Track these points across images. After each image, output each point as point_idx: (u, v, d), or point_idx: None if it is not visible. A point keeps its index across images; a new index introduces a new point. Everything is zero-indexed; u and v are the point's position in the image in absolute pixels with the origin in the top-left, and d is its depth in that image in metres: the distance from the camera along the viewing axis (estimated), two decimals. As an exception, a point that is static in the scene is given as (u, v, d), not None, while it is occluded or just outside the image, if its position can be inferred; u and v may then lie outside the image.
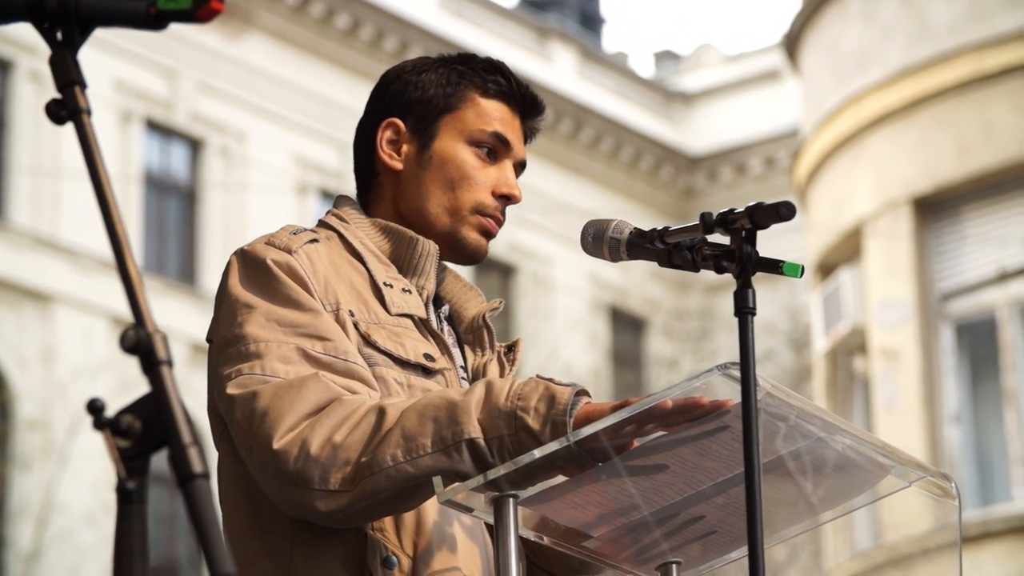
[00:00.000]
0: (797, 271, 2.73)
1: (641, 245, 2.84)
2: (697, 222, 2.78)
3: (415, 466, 2.61)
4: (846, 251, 13.84)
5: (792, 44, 14.83)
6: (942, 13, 13.13)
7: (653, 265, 2.98)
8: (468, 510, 2.63)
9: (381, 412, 2.63)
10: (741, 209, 2.72)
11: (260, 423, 2.64)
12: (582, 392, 2.65)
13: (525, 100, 2.98)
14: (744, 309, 2.71)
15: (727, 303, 2.78)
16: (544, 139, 25.88)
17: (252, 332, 2.71)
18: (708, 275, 2.88)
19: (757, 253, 2.75)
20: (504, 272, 25.85)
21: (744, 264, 2.72)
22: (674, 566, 2.81)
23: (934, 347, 13.07)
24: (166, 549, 20.92)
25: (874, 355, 13.39)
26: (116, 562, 1.94)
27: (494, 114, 2.93)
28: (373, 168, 2.95)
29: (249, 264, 2.77)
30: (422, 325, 2.83)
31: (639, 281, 26.45)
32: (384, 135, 2.93)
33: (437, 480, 2.59)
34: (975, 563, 12.17)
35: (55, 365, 20.25)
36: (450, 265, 3.04)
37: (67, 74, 2.13)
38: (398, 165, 2.92)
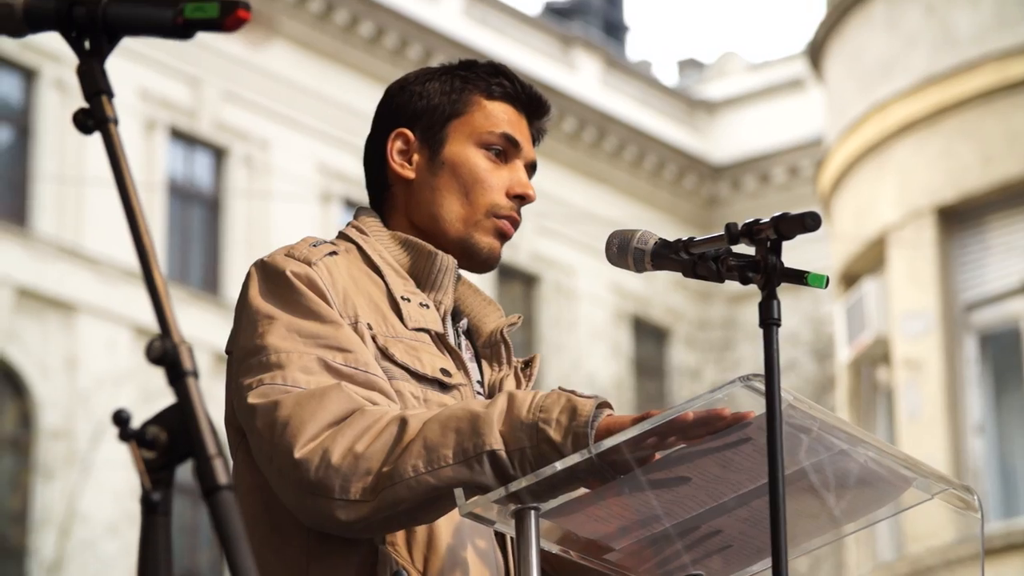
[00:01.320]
0: (822, 282, 2.74)
1: (666, 256, 2.84)
2: (722, 233, 2.78)
3: (436, 477, 2.61)
4: (870, 261, 13.83)
5: (816, 52, 14.83)
6: (966, 21, 13.12)
7: (676, 275, 2.98)
8: (490, 523, 2.63)
9: (403, 423, 2.63)
10: (766, 220, 2.72)
11: (282, 432, 2.64)
12: (604, 404, 2.65)
13: (530, 101, 2.98)
14: (769, 320, 2.71)
15: (750, 313, 2.80)
16: (567, 148, 26.02)
17: (273, 343, 2.71)
18: (731, 285, 2.87)
19: (782, 264, 2.75)
20: (527, 282, 25.85)
21: (769, 275, 2.73)
22: (693, 581, 2.83)
23: (958, 358, 13.05)
24: (188, 560, 20.94)
25: (897, 366, 13.37)
26: (140, 573, 1.95)
27: (501, 116, 2.93)
28: (385, 180, 2.96)
29: (269, 275, 2.77)
30: (439, 340, 2.83)
31: (662, 291, 26.45)
32: (394, 145, 2.93)
33: (459, 492, 2.60)
34: (997, 575, 12.15)
35: (78, 374, 20.28)
36: (469, 277, 3.05)
37: (95, 83, 2.14)
38: (410, 174, 2.92)
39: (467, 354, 2.94)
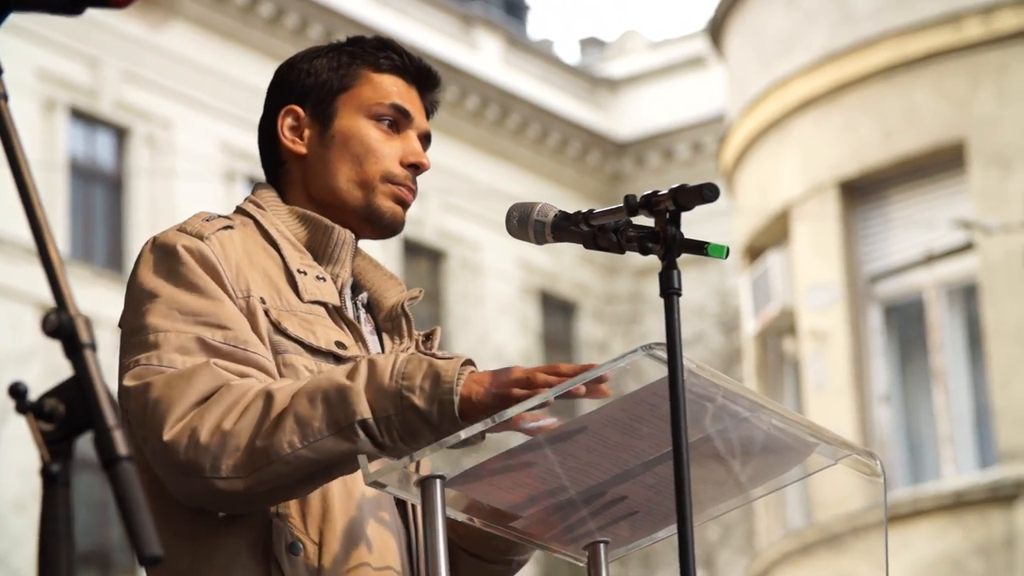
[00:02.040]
0: (722, 252, 2.75)
1: (566, 227, 2.85)
2: (621, 204, 2.79)
3: (313, 450, 2.60)
4: (774, 234, 13.90)
5: (717, 30, 14.88)
6: (866, -3, 13.21)
7: (582, 250, 2.98)
8: (394, 492, 2.64)
9: (269, 396, 2.62)
10: (665, 191, 2.74)
11: (152, 414, 2.63)
12: (467, 362, 2.65)
13: (419, 73, 2.96)
14: (670, 290, 2.72)
15: (656, 286, 2.80)
16: (471, 125, 26.04)
17: (153, 322, 2.70)
18: (637, 259, 2.89)
19: (682, 234, 2.76)
20: (433, 258, 25.86)
21: (669, 245, 2.74)
22: (602, 545, 2.82)
23: (863, 328, 13.14)
24: (98, 535, 20.88)
25: (803, 337, 13.46)
26: (41, 545, 1.94)
27: (391, 87, 2.92)
28: (279, 156, 2.95)
29: (159, 251, 2.76)
30: (336, 312, 2.82)
31: (569, 266, 26.52)
32: (284, 122, 2.93)
33: (363, 460, 2.60)
34: (905, 540, 12.25)
35: (-7, 356, 20.18)
36: (368, 251, 3.03)
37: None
38: (302, 149, 2.91)
39: (367, 327, 2.93)
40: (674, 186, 2.73)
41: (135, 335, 2.73)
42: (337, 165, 2.89)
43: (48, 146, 21.31)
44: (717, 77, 20.22)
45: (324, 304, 2.81)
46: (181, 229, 2.79)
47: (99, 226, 22.43)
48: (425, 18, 26.29)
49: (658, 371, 2.65)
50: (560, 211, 2.87)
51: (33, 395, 1.98)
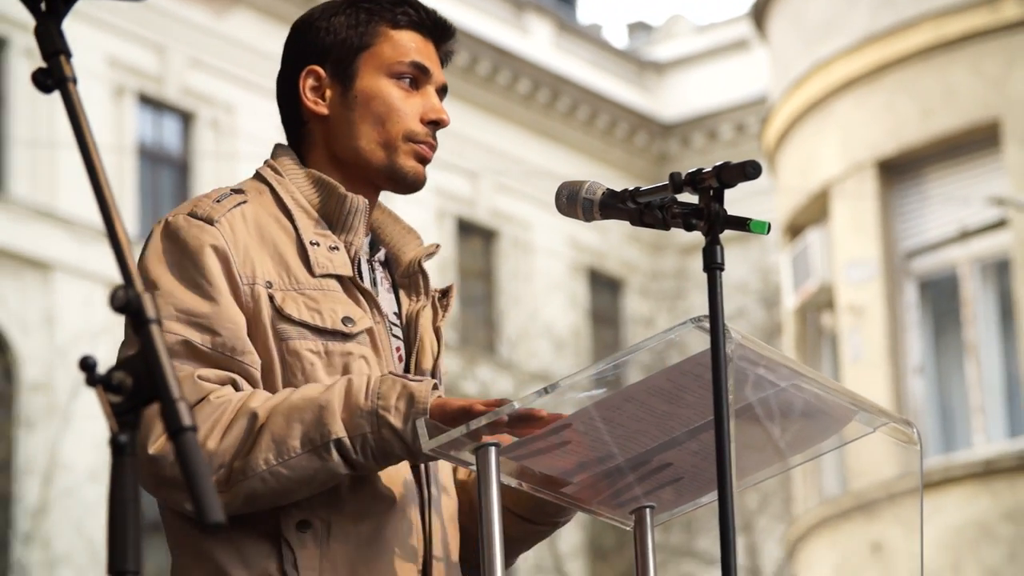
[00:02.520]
0: (764, 228, 2.73)
1: (613, 205, 2.83)
2: (667, 182, 2.77)
3: (288, 467, 2.60)
4: (814, 212, 13.86)
5: (760, 14, 14.83)
6: (903, -18, 13.15)
7: (629, 228, 2.97)
8: (454, 459, 2.64)
9: (253, 416, 2.61)
10: (709, 169, 2.73)
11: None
12: (435, 386, 2.63)
13: (436, 26, 2.92)
14: (713, 264, 2.71)
15: (700, 263, 2.79)
16: (522, 108, 26.01)
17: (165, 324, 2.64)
18: (682, 236, 2.89)
19: (725, 211, 2.75)
20: (486, 237, 25.85)
21: (712, 221, 2.73)
22: (648, 510, 2.81)
23: (898, 303, 13.10)
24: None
25: (841, 311, 13.42)
26: (111, 510, 1.95)
27: (409, 44, 2.86)
28: (300, 117, 2.89)
29: (168, 236, 2.72)
30: (350, 283, 2.78)
31: (616, 243, 26.48)
32: (306, 83, 2.87)
33: (421, 425, 2.59)
34: (937, 507, 12.22)
35: (56, 330, 20.27)
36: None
37: (52, 44, 2.11)
38: (324, 110, 2.86)
39: (385, 284, 2.89)
40: (718, 164, 2.71)
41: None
42: (360, 126, 2.84)
43: (117, 130, 21.38)
44: (760, 60, 20.16)
45: (338, 275, 2.77)
46: (192, 213, 2.73)
47: (166, 207, 22.43)
48: (478, 3, 26.27)
49: (704, 343, 2.64)
50: (607, 189, 2.86)
51: (103, 369, 1.99)
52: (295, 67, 2.91)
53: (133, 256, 2.03)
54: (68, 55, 2.12)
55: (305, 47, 2.91)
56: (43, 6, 2.14)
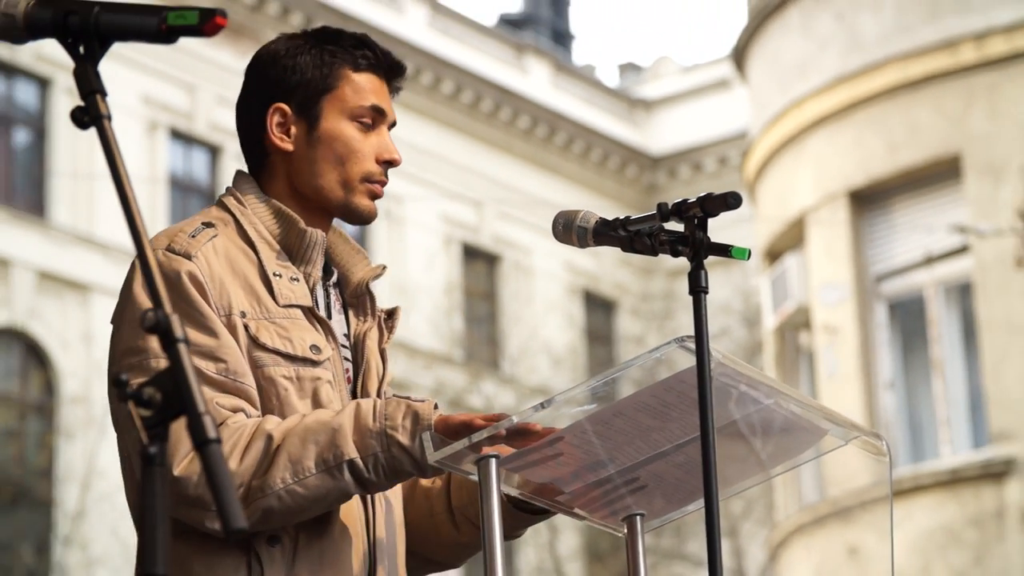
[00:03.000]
0: (744, 254, 2.73)
1: (606, 233, 2.83)
2: (655, 212, 2.77)
3: (304, 487, 2.58)
4: (791, 239, 13.85)
5: (740, 56, 14.84)
6: (871, 27, 13.14)
7: (621, 253, 2.95)
8: (458, 470, 2.63)
9: (269, 439, 2.59)
10: (693, 199, 2.72)
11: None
12: (435, 405, 2.63)
13: (391, 67, 2.88)
14: (698, 288, 2.71)
15: (686, 286, 2.78)
16: (522, 142, 26.01)
17: (153, 347, 2.62)
18: (671, 261, 2.88)
19: (708, 238, 2.74)
20: (490, 261, 25.84)
21: (697, 248, 2.72)
22: (638, 518, 2.80)
23: (870, 323, 13.08)
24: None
25: (817, 331, 13.41)
26: (142, 516, 1.94)
27: (368, 87, 2.83)
28: (264, 148, 2.83)
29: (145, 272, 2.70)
30: (309, 313, 2.74)
31: (609, 268, 26.48)
32: (273, 120, 2.81)
33: (427, 438, 2.58)
34: (908, 513, 12.19)
35: (94, 347, 20.24)
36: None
37: (89, 84, 2.11)
38: (289, 147, 2.81)
39: (336, 306, 2.85)
40: (701, 195, 2.72)
41: (134, 355, 2.65)
42: (322, 164, 2.80)
43: (150, 163, 21.39)
44: (740, 98, 20.14)
45: (300, 306, 2.74)
46: (170, 248, 2.70)
47: (195, 233, 22.53)
48: (482, 46, 26.28)
49: (689, 361, 2.63)
50: (600, 218, 2.85)
51: (131, 382, 1.98)
52: (260, 100, 2.85)
53: (162, 281, 2.03)
54: (103, 94, 2.11)
55: (271, 83, 2.85)
56: (81, 50, 2.14)
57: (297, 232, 2.77)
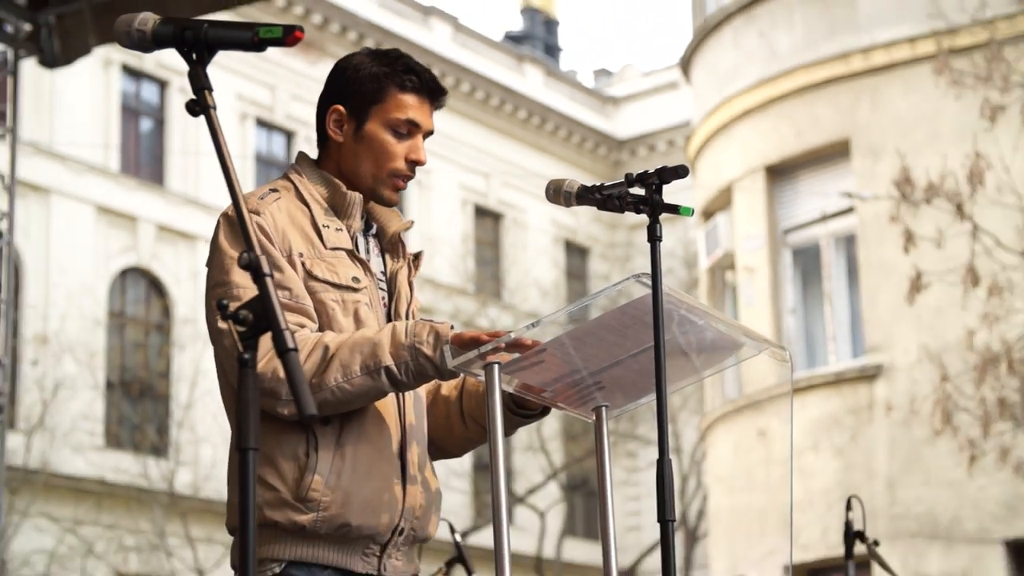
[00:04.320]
0: (689, 212, 2.74)
1: (585, 195, 2.83)
2: (623, 180, 2.78)
3: (351, 385, 2.57)
4: (721, 202, 13.84)
5: (686, 64, 14.77)
6: (785, 42, 13.07)
7: (596, 211, 2.96)
8: (471, 373, 2.63)
9: (326, 349, 2.58)
10: (652, 171, 2.72)
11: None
12: (452, 327, 2.62)
13: (432, 90, 2.82)
14: (654, 237, 2.71)
15: (643, 236, 2.76)
16: (521, 129, 25.92)
17: (235, 279, 2.61)
18: (632, 217, 2.87)
19: (663, 200, 2.74)
20: (495, 218, 25.79)
21: (654, 207, 2.73)
22: (603, 408, 2.81)
23: (778, 265, 13.08)
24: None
25: (739, 271, 13.42)
26: (238, 404, 1.95)
27: (408, 104, 2.77)
28: (325, 136, 2.82)
29: (231, 225, 2.67)
30: (351, 254, 2.73)
31: (585, 222, 26.43)
32: (331, 117, 2.80)
33: (446, 350, 2.58)
34: (802, 404, 12.25)
35: (198, 282, 20.20)
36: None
37: (199, 82, 2.11)
38: (339, 139, 2.79)
39: (375, 250, 2.82)
40: (658, 168, 2.73)
41: (222, 287, 2.63)
42: (361, 158, 2.77)
43: (241, 144, 21.33)
44: (686, 96, 20.06)
45: (343, 249, 2.72)
46: (247, 205, 2.62)
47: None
48: (491, 56, 26.13)
49: (642, 292, 2.63)
50: (581, 184, 2.85)
51: (230, 306, 1.99)
52: (327, 99, 2.83)
53: (253, 229, 2.03)
54: (210, 90, 2.11)
55: (336, 88, 2.82)
56: (193, 57, 2.14)
57: (340, 194, 2.76)
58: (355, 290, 2.71)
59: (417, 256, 2.86)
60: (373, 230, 2.84)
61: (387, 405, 2.71)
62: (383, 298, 2.78)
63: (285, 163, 22.43)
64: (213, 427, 18.55)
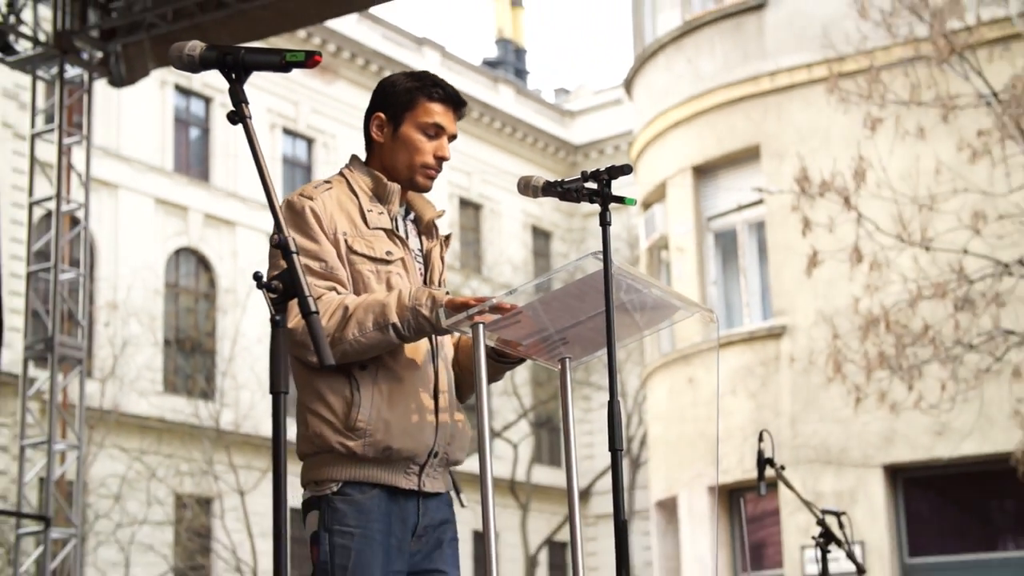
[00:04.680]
0: (632, 202, 2.74)
1: (550, 188, 2.83)
2: (579, 176, 2.77)
3: (365, 338, 2.57)
4: (657, 195, 13.84)
5: (629, 84, 14.74)
6: (708, 67, 13.06)
7: (558, 201, 2.95)
8: (460, 331, 2.62)
9: (346, 309, 2.58)
10: (603, 169, 2.71)
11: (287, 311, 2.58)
12: (447, 293, 2.63)
13: (455, 101, 2.85)
14: (604, 223, 2.71)
15: (595, 222, 2.76)
16: (496, 137, 25.83)
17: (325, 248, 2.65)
18: (587, 206, 2.86)
19: (612, 193, 2.74)
20: (476, 208, 25.73)
21: (604, 198, 2.73)
22: (567, 359, 2.81)
23: (703, 246, 13.11)
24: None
25: (672, 250, 13.44)
26: (271, 358, 1.93)
27: (435, 111, 2.78)
28: (370, 138, 2.84)
29: (290, 208, 2.69)
30: (390, 233, 2.74)
31: (548, 211, 26.41)
32: (374, 123, 2.82)
33: (440, 313, 2.58)
34: (724, 357, 12.30)
35: (238, 260, 20.20)
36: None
37: (238, 97, 2.10)
38: (381, 140, 2.81)
39: (413, 233, 2.83)
40: (607, 166, 2.72)
41: (309, 256, 2.64)
42: (398, 155, 2.78)
43: (271, 148, 21.20)
44: (629, 110, 20.03)
45: (382, 228, 2.73)
46: (302, 194, 2.70)
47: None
48: (472, 76, 26.04)
49: (596, 267, 2.63)
50: (546, 180, 2.85)
51: (263, 277, 1.97)
52: (371, 109, 2.85)
53: (281, 215, 2.01)
54: (246, 103, 2.10)
55: (379, 100, 2.85)
56: (233, 76, 2.13)
57: (382, 185, 2.78)
58: (388, 262, 2.72)
59: (447, 237, 2.89)
60: (412, 216, 2.86)
61: (420, 353, 2.72)
62: (420, 271, 2.80)
63: (306, 164, 22.34)
64: (251, 376, 18.53)
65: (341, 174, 2.82)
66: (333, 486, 2.58)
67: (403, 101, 2.78)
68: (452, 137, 2.85)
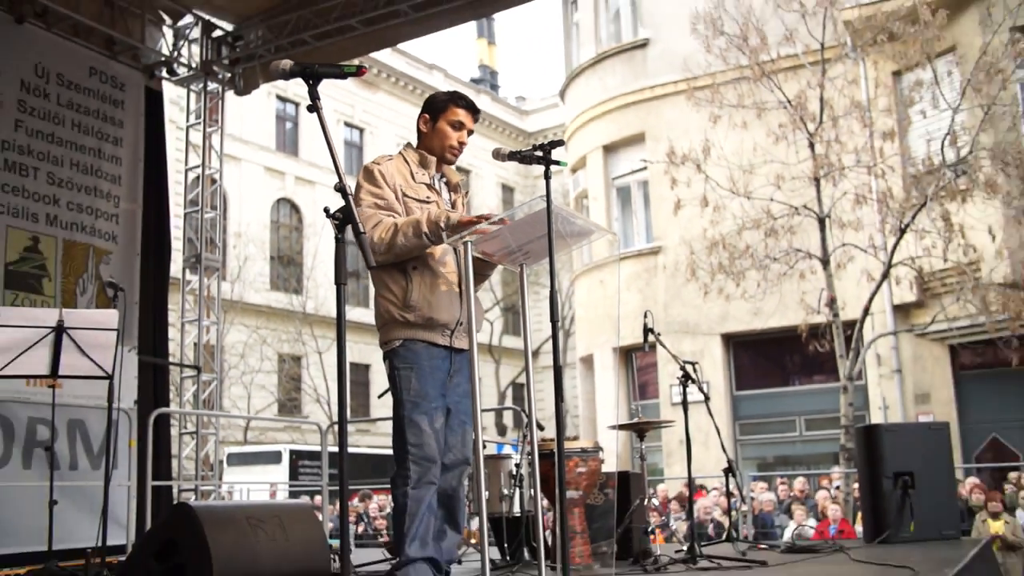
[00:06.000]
0: (565, 164, 2.72)
1: (512, 156, 2.79)
2: (531, 148, 2.72)
3: (407, 242, 2.60)
4: (580, 164, 13.63)
5: (563, 93, 14.43)
6: (614, 83, 12.80)
7: (519, 164, 2.93)
8: (458, 244, 2.61)
9: (395, 226, 2.61)
10: (546, 143, 2.66)
11: (365, 224, 2.60)
12: (456, 213, 2.64)
13: (473, 109, 2.87)
14: (547, 178, 2.67)
15: (542, 180, 2.73)
16: (479, 127, 25.19)
17: (366, 199, 2.67)
18: (536, 168, 2.84)
19: (552, 159, 2.70)
20: (466, 172, 25.39)
21: (547, 163, 2.68)
22: (523, 264, 2.81)
23: (609, 196, 13.00)
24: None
25: (590, 199, 13.33)
26: (335, 259, 1.90)
27: (460, 113, 2.80)
28: (419, 130, 2.84)
29: (367, 170, 2.72)
30: (429, 187, 2.76)
31: (512, 173, 26.10)
32: (422, 119, 2.84)
33: (446, 236, 2.57)
34: (623, 266, 12.35)
35: (317, 205, 19.95)
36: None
37: (313, 96, 2.04)
38: (425, 130, 2.83)
39: (444, 189, 2.84)
40: (548, 141, 2.67)
41: (361, 201, 2.67)
42: (435, 140, 2.79)
43: (335, 135, 20.62)
44: (563, 110, 19.64)
45: (425, 183, 2.74)
46: (375, 162, 2.74)
47: (356, 165, 21.88)
48: (464, 88, 25.25)
49: (542, 205, 2.60)
50: (511, 150, 2.80)
51: (330, 211, 1.93)
52: (421, 112, 2.87)
53: (347, 185, 1.95)
54: (319, 100, 2.03)
55: (426, 106, 2.87)
56: (310, 82, 2.07)
57: (424, 158, 2.83)
58: (427, 202, 2.78)
59: (466, 193, 2.95)
60: (444, 179, 2.90)
61: (448, 260, 2.74)
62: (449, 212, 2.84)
63: (359, 145, 21.83)
64: (324, 279, 18.46)
65: (401, 152, 2.85)
66: (397, 343, 2.69)
67: (440, 107, 2.84)
68: (470, 132, 2.89)
